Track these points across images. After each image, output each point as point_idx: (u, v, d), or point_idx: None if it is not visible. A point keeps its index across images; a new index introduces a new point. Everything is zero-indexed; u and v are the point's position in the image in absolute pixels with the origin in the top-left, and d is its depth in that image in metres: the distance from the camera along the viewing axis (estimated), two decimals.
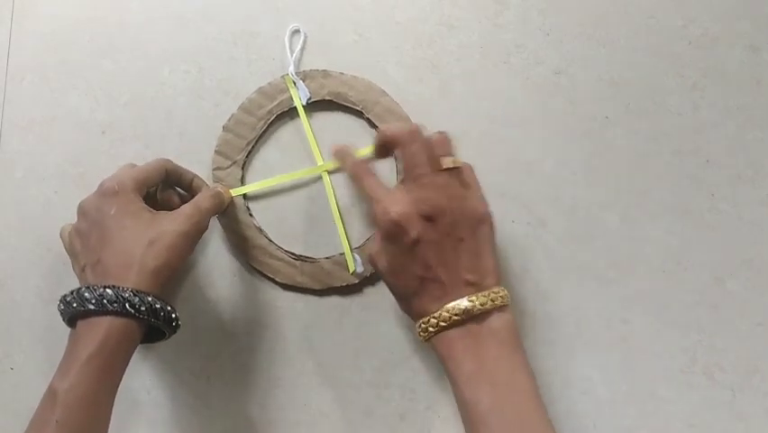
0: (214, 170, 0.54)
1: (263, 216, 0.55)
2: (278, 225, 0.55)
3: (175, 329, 0.47)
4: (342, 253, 0.54)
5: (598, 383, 0.53)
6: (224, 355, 0.54)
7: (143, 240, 0.46)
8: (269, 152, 0.55)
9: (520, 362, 0.44)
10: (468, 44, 0.56)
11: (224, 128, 0.54)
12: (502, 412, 0.42)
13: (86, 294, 0.44)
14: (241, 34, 0.56)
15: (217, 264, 0.55)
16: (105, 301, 0.44)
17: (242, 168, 0.55)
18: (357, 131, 0.55)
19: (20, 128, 0.56)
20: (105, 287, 0.44)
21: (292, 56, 0.55)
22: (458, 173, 0.46)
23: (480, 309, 0.43)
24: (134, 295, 0.44)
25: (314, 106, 0.55)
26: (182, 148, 0.56)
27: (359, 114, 0.55)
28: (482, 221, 0.45)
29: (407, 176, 0.44)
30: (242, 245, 0.54)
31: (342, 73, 0.55)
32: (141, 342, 0.47)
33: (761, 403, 0.52)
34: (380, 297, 0.54)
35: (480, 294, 0.43)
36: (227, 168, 0.54)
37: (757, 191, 0.54)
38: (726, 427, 0.52)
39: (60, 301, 0.46)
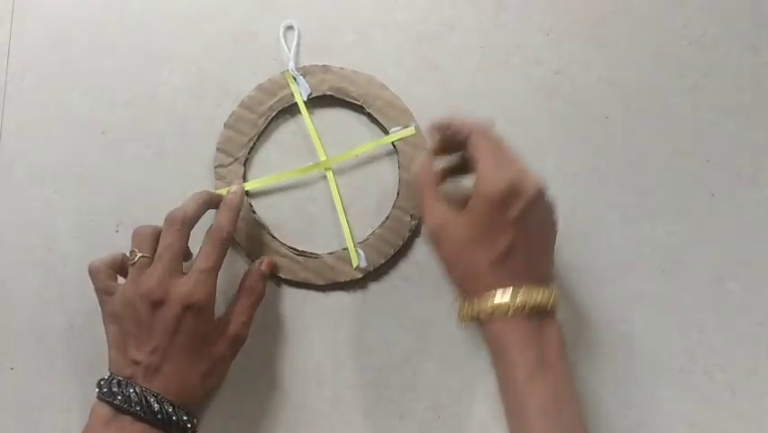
0: (216, 167, 0.54)
1: (265, 213, 0.55)
2: (280, 222, 0.55)
3: None
4: (345, 249, 0.54)
5: (598, 383, 0.53)
6: None
7: (199, 370, 0.48)
8: (270, 149, 0.55)
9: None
10: (468, 44, 0.56)
11: (226, 125, 0.55)
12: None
13: (154, 405, 0.45)
14: (241, 34, 0.56)
15: None
16: (159, 417, 0.45)
17: (244, 165, 0.55)
18: (358, 126, 0.55)
19: (20, 128, 0.56)
20: (170, 403, 0.46)
21: (290, 52, 0.55)
22: None
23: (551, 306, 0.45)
24: (187, 421, 0.47)
25: (314, 102, 0.55)
26: (182, 148, 0.55)
27: (360, 108, 0.55)
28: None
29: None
30: (245, 242, 0.54)
31: (342, 68, 0.55)
32: None
33: (761, 403, 0.52)
34: (383, 294, 0.54)
35: (548, 290, 0.45)
36: (229, 165, 0.54)
37: (757, 191, 0.54)
38: (727, 427, 0.52)
39: (113, 386, 0.46)
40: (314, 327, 0.54)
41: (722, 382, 0.53)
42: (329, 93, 0.55)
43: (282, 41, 0.55)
